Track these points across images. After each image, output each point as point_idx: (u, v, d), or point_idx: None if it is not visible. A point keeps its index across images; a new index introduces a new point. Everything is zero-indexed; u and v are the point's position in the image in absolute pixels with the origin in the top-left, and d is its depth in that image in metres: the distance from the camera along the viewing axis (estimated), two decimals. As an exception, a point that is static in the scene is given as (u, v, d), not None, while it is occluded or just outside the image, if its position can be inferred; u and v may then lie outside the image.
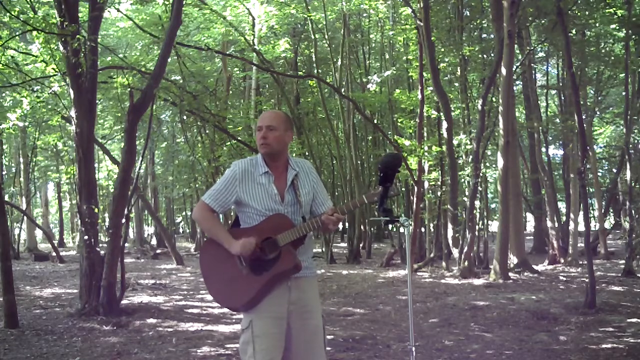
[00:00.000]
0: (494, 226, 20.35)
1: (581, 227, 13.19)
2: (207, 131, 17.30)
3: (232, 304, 2.74)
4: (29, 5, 8.51)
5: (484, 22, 15.27)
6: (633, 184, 13.57)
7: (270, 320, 2.62)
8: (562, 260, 14.42)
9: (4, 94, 15.33)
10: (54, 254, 17.15)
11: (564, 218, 17.94)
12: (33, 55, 9.85)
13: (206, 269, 2.77)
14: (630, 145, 13.78)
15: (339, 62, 17.36)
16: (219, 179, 2.83)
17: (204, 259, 2.81)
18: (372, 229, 21.60)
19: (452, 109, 14.23)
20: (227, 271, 2.66)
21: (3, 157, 21.39)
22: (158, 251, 19.56)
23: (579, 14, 13.27)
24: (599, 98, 17.75)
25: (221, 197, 2.73)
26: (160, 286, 10.50)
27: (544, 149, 18.16)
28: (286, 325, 2.66)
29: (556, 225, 15.72)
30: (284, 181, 2.75)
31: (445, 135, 12.91)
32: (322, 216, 2.63)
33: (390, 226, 16.12)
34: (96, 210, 7.59)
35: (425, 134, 14.94)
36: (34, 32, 7.63)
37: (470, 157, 12.69)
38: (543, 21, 13.90)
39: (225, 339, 5.98)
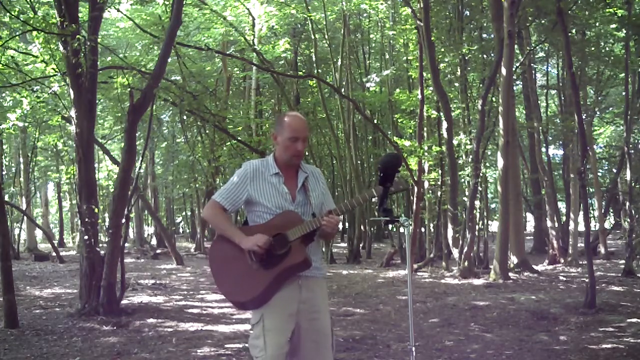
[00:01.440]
0: (494, 226, 20.35)
1: (581, 227, 13.19)
2: (207, 131, 17.31)
3: (241, 298, 2.72)
4: (29, 5, 8.50)
5: (483, 22, 15.26)
6: (633, 184, 13.57)
7: (280, 316, 2.63)
8: (562, 260, 14.42)
9: (4, 94, 15.32)
10: (54, 254, 17.14)
11: (564, 218, 17.94)
12: (33, 55, 9.84)
13: (216, 266, 2.77)
14: (630, 145, 13.77)
15: (339, 62, 17.36)
16: (229, 179, 2.84)
17: (213, 256, 2.81)
18: (372, 229, 21.60)
19: (452, 109, 14.22)
20: (237, 267, 2.66)
21: (3, 157, 21.37)
22: (158, 251, 19.54)
23: (579, 13, 13.26)
24: (599, 98, 17.76)
25: (232, 195, 2.74)
26: (160, 286, 10.50)
27: (544, 149, 18.16)
28: (295, 324, 2.67)
29: (556, 225, 15.72)
30: (295, 183, 2.77)
31: (445, 135, 12.91)
32: (323, 219, 2.64)
33: (390, 226, 16.09)
34: (96, 210, 7.58)
35: (425, 134, 14.94)
36: (34, 32, 7.62)
37: (470, 157, 12.70)
38: (543, 21, 13.90)
39: (225, 339, 5.98)
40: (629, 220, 12.60)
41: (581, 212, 11.20)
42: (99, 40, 7.94)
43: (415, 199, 14.04)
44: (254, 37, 16.60)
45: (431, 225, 16.36)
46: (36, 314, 7.46)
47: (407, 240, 2.82)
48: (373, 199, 2.71)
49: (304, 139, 2.74)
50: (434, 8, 13.72)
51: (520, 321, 6.83)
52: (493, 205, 22.87)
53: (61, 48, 7.48)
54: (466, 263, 11.48)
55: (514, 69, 12.31)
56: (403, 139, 16.69)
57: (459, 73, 15.02)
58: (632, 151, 14.93)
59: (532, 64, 16.62)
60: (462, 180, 15.10)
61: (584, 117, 12.07)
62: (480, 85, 15.06)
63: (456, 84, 15.68)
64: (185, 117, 16.98)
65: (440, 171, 15.65)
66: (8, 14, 7.76)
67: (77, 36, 7.02)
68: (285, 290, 2.64)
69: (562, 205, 21.41)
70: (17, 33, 9.15)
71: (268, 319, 2.62)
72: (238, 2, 16.44)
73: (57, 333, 6.23)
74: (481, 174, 13.14)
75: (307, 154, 18.93)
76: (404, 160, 13.46)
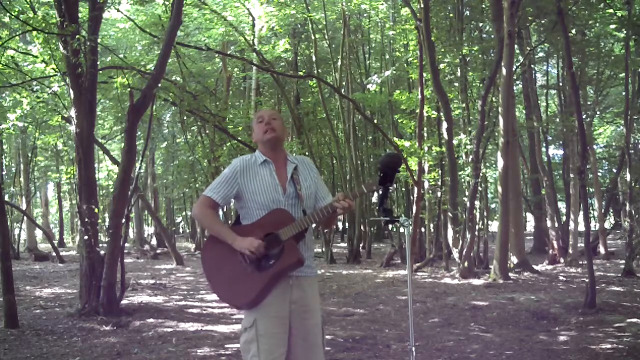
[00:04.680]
0: (494, 226, 20.35)
1: (581, 227, 13.18)
2: (207, 131, 17.31)
3: (237, 302, 2.71)
4: (28, 6, 8.51)
5: (485, 23, 15.25)
6: (633, 184, 13.57)
7: (273, 319, 2.61)
8: (562, 260, 14.42)
9: (4, 94, 15.33)
10: (54, 254, 17.16)
11: (564, 218, 17.93)
12: (33, 55, 9.86)
13: (209, 268, 2.74)
14: (630, 145, 13.76)
15: (339, 62, 17.37)
16: (219, 175, 2.81)
17: (206, 258, 2.77)
18: (372, 229, 21.60)
19: (452, 109, 14.22)
20: (230, 269, 2.64)
21: (3, 157, 21.38)
22: (158, 251, 19.56)
23: (579, 14, 13.26)
24: (599, 98, 17.76)
25: (222, 189, 2.71)
26: (160, 286, 10.50)
27: (544, 149, 18.16)
28: (288, 326, 2.65)
29: (556, 225, 15.71)
30: (285, 174, 2.74)
31: (445, 135, 12.91)
32: (333, 203, 2.62)
33: (390, 226, 16.13)
34: (96, 210, 7.59)
35: (425, 134, 14.92)
36: (34, 32, 7.63)
37: (470, 157, 12.70)
38: (543, 21, 13.89)
39: (225, 339, 5.98)
40: (629, 220, 12.59)
41: (581, 212, 11.20)
42: (99, 40, 7.94)
43: (415, 199, 14.03)
44: (254, 37, 16.60)
45: (431, 225, 16.36)
46: (36, 314, 7.46)
47: (407, 240, 2.81)
48: (374, 197, 2.70)
49: (269, 115, 2.78)
50: (434, 8, 13.71)
51: (520, 321, 6.83)
52: (493, 205, 22.85)
53: (61, 48, 7.49)
54: (466, 263, 11.47)
55: (514, 69, 12.31)
56: (403, 139, 16.68)
57: (459, 73, 15.02)
58: (632, 151, 14.92)
59: (532, 64, 16.60)
60: (462, 180, 15.09)
61: (584, 117, 12.07)
62: (480, 85, 15.05)
63: (456, 84, 15.67)
64: (185, 117, 16.98)
65: (440, 171, 15.64)
66: (8, 14, 7.76)
67: (77, 36, 7.02)
68: (277, 293, 2.62)
69: (562, 205, 21.40)
70: (17, 33, 9.16)
71: (261, 324, 2.59)
72: (238, 2, 16.45)
73: (57, 333, 6.23)
74: (481, 174, 13.13)
75: (307, 153, 18.94)
76: (404, 160, 13.47)
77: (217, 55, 16.60)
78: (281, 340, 2.62)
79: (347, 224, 19.43)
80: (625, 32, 12.92)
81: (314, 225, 2.72)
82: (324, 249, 16.63)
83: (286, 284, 2.64)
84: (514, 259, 12.15)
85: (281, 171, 2.74)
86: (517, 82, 17.20)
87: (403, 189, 22.33)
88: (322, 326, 2.76)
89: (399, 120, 17.58)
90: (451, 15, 15.14)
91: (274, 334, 2.60)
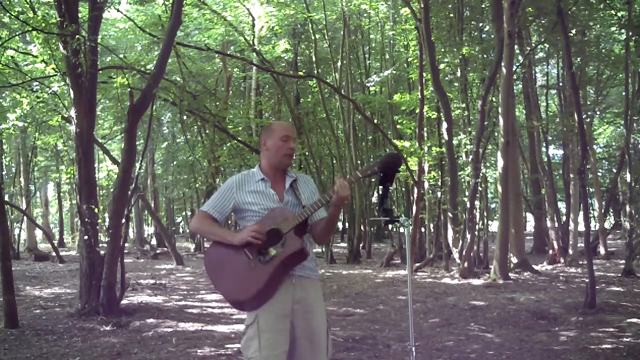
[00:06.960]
0: (494, 226, 20.35)
1: (581, 227, 13.18)
2: (207, 131, 17.32)
3: (244, 296, 2.64)
4: (28, 6, 8.50)
5: (485, 23, 15.24)
6: (633, 184, 13.57)
7: (275, 316, 2.62)
8: (562, 260, 14.42)
9: (4, 94, 15.32)
10: (54, 254, 17.16)
11: (564, 218, 17.93)
12: (33, 55, 9.85)
13: (212, 272, 2.75)
14: (630, 145, 13.76)
15: (339, 62, 17.36)
16: (215, 192, 2.87)
17: (209, 260, 2.78)
18: (372, 229, 21.60)
19: (452, 109, 14.21)
20: (234, 268, 2.64)
21: (3, 157, 21.38)
22: (158, 251, 19.56)
23: (578, 14, 13.25)
24: (599, 98, 17.76)
25: (219, 204, 2.77)
26: (160, 286, 10.51)
27: (544, 149, 18.16)
28: (290, 324, 2.66)
29: (556, 225, 15.71)
30: (282, 186, 2.79)
31: (445, 135, 12.92)
32: (329, 191, 2.67)
33: (390, 226, 16.12)
34: (96, 210, 7.59)
35: (425, 134, 14.91)
36: (34, 32, 7.63)
37: (470, 157, 12.70)
38: (543, 21, 13.89)
39: (225, 339, 5.99)
40: (629, 220, 12.59)
41: (581, 212, 11.20)
42: (99, 40, 7.94)
43: (415, 199, 14.03)
44: (254, 37, 16.60)
45: (431, 225, 16.36)
46: (36, 314, 7.46)
47: (407, 240, 2.81)
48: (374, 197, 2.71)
49: (294, 139, 2.82)
50: (434, 8, 13.71)
51: (520, 321, 6.83)
52: (493, 205, 22.85)
53: (61, 48, 7.49)
54: (466, 263, 11.47)
55: (514, 69, 12.30)
56: (403, 139, 16.68)
57: (459, 73, 15.01)
58: (632, 151, 14.90)
59: (532, 64, 16.61)
60: (462, 180, 15.09)
61: (584, 117, 12.07)
62: (480, 85, 15.04)
63: (456, 84, 15.67)
64: (185, 117, 16.98)
65: (440, 171, 15.64)
66: (8, 14, 7.75)
67: (77, 36, 7.02)
68: (280, 291, 2.63)
69: (562, 205, 21.40)
70: (17, 33, 9.16)
71: (263, 320, 2.61)
72: (238, 2, 16.45)
73: (57, 333, 6.23)
74: (481, 174, 13.13)
75: (307, 153, 18.94)
76: (404, 160, 13.46)
77: (217, 55, 16.58)
78: (283, 338, 2.62)
79: (347, 224, 19.42)
80: (625, 33, 12.92)
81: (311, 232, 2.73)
82: (324, 249, 16.63)
83: (289, 283, 2.66)
84: (514, 259, 12.14)
85: (278, 184, 2.79)
86: (517, 82, 17.19)
87: (403, 189, 22.30)
88: (327, 329, 2.75)
89: (399, 121, 17.58)
90: (451, 15, 15.13)
91: (277, 330, 2.61)
